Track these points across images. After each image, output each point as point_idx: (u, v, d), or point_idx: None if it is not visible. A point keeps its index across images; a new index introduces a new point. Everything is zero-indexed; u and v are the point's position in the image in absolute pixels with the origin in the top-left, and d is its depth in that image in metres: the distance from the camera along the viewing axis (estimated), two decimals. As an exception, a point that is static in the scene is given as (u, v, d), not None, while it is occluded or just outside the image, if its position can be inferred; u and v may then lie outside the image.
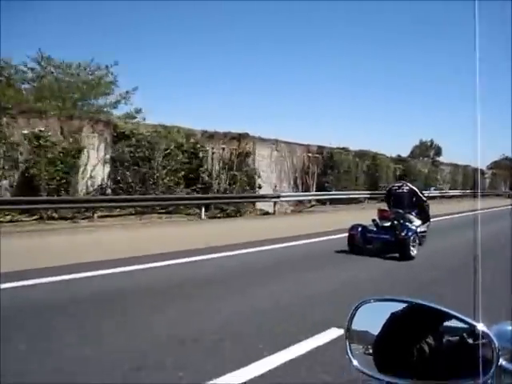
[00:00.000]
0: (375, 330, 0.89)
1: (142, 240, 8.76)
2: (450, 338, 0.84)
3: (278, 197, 15.92)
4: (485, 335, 0.79)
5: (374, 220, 7.21)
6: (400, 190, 7.68)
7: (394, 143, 72.57)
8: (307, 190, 18.57)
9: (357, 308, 0.95)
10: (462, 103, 75.17)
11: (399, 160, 26.89)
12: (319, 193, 18.41)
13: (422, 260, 6.70)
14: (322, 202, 18.57)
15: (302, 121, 62.37)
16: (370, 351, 0.89)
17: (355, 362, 0.89)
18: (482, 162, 39.00)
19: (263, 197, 15.74)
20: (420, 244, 7.27)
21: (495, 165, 44.07)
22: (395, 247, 6.64)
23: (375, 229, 7.13)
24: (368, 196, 21.55)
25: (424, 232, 7.72)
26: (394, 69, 70.60)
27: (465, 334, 0.82)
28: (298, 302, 4.35)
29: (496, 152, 44.92)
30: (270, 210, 16.09)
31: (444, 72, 71.89)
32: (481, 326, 0.80)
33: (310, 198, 17.99)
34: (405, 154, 32.17)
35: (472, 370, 0.77)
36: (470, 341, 0.82)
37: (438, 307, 0.87)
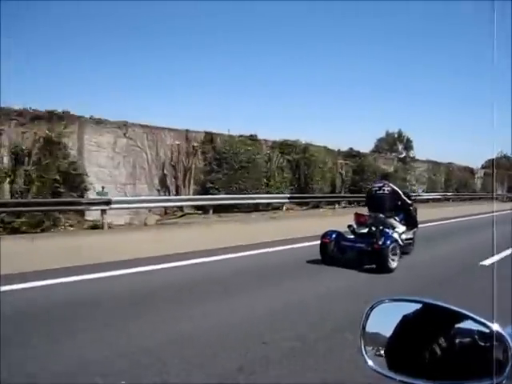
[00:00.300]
0: (389, 330, 0.91)
1: None
2: (464, 339, 0.85)
3: (108, 203, 10.72)
4: (499, 336, 0.79)
5: (349, 226, 6.39)
6: (380, 192, 6.54)
7: (356, 137, 64.54)
8: (181, 192, 13.34)
9: (372, 308, 0.98)
10: (443, 98, 67.01)
11: (350, 155, 21.43)
12: (193, 197, 13.14)
13: (404, 273, 5.68)
14: (205, 210, 13.31)
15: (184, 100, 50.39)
16: (384, 351, 0.91)
17: (370, 362, 0.92)
18: (475, 160, 33.24)
19: (73, 203, 10.56)
20: (407, 253, 6.62)
21: (491, 164, 38.00)
22: (371, 258, 5.69)
23: (351, 236, 6.32)
24: (287, 201, 16.18)
25: (410, 239, 6.81)
26: (355, 59, 63.43)
27: (479, 335, 0.83)
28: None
29: (490, 150, 39.05)
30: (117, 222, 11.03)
31: (419, 65, 65.15)
32: (496, 327, 0.81)
33: (173, 204, 12.73)
34: (367, 149, 26.64)
35: (485, 370, 0.78)
36: (484, 341, 0.82)
37: (453, 308, 0.88)
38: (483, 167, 38.30)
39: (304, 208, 17.51)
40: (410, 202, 6.85)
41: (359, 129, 56.94)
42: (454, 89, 68.53)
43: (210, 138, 14.23)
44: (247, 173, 14.42)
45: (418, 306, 0.92)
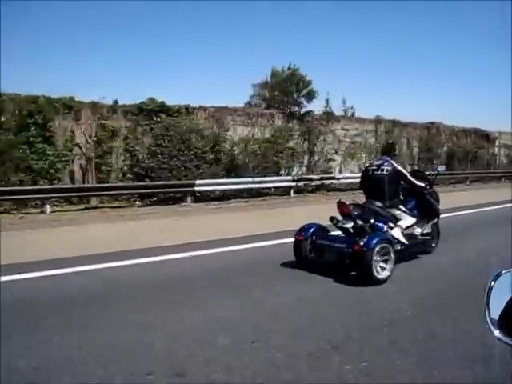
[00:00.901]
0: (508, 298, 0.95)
1: None
2: None
3: None
4: None
5: (332, 218, 4.76)
6: (379, 172, 5.02)
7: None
8: None
9: (495, 278, 1.00)
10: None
11: (144, 110, 11.71)
12: None
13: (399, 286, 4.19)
14: None
15: None
16: (504, 319, 0.94)
17: (496, 333, 0.96)
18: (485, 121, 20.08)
19: None
20: (428, 252, 5.32)
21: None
22: (352, 262, 4.30)
23: (337, 232, 4.93)
24: None
25: (427, 235, 5.36)
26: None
27: None
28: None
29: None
30: None
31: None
32: None
33: None
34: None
35: None
36: None
37: None
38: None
39: None
40: (422, 184, 5.19)
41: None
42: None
43: None
44: None
45: None
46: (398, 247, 4.60)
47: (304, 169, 14.91)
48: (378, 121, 17.19)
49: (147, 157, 11.26)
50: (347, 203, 4.74)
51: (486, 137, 21.21)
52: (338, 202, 4.80)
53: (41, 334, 3.02)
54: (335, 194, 14.66)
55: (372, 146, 16.78)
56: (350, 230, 4.63)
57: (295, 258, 4.77)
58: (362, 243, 4.13)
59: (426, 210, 5.30)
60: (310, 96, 14.71)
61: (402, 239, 4.74)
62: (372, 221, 4.59)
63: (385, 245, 4.24)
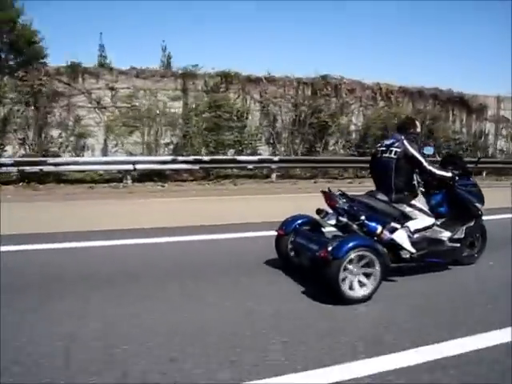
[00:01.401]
0: None
1: None
2: None
3: None
4: None
5: (319, 211, 3.75)
6: (387, 154, 3.74)
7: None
8: None
9: None
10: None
11: None
12: None
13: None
14: None
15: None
16: None
17: None
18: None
19: None
20: (463, 262, 4.06)
21: None
22: (320, 270, 3.32)
23: (326, 229, 3.93)
24: None
25: (458, 241, 3.97)
26: None
27: None
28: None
29: None
30: None
31: None
32: None
33: None
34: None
35: None
36: None
37: None
38: None
39: None
40: (448, 174, 3.84)
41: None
42: None
43: None
44: None
45: None
46: (407, 255, 3.54)
47: (27, 148, 10.24)
48: (187, 74, 10.68)
49: None
50: (335, 193, 3.64)
51: (462, 104, 11.65)
52: (322, 192, 3.70)
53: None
54: (60, 187, 9.75)
55: (173, 113, 10.63)
56: (356, 227, 3.54)
57: (278, 256, 4.02)
58: (330, 248, 3.14)
59: (459, 207, 3.95)
60: (29, 41, 9.59)
61: (407, 246, 3.55)
62: (362, 218, 3.50)
63: (364, 253, 3.17)
